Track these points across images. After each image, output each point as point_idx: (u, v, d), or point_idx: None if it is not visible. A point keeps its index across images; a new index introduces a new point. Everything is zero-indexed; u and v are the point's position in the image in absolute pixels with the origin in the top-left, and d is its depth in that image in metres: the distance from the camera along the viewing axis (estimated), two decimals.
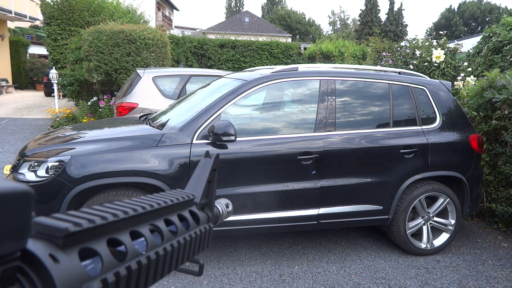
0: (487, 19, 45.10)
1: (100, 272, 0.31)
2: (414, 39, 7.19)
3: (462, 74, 5.66)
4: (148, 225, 0.39)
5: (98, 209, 0.35)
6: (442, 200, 3.43)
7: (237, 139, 2.91)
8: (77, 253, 0.30)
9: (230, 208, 0.63)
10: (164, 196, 0.44)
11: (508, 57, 5.35)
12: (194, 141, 2.87)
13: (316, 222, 3.16)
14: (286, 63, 13.98)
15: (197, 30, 40.42)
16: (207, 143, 2.88)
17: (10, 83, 18.67)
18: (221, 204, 0.61)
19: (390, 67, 6.63)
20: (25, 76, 20.90)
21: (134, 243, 0.36)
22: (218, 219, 0.59)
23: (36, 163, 2.75)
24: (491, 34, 5.94)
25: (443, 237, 3.50)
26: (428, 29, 49.60)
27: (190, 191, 0.51)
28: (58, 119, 8.99)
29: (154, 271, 0.38)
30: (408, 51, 6.97)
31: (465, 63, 6.39)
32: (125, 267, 0.33)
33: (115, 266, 0.32)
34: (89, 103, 9.11)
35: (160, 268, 0.39)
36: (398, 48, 7.54)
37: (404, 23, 45.98)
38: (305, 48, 15.27)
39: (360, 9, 46.63)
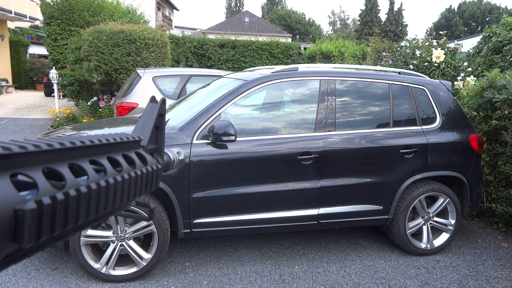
0: (487, 19, 45.11)
1: (36, 196, 0.30)
2: (414, 39, 7.19)
3: (462, 74, 5.66)
4: (89, 159, 0.38)
5: (36, 140, 0.34)
6: (442, 200, 3.43)
7: (237, 139, 2.91)
8: (9, 177, 0.29)
9: (182, 156, 0.63)
10: (108, 136, 0.43)
11: (508, 57, 5.35)
12: (194, 141, 2.88)
13: (316, 222, 3.16)
14: (286, 63, 13.98)
15: (197, 30, 40.43)
16: (207, 143, 2.88)
17: (10, 83, 18.67)
18: (172, 152, 0.60)
19: (390, 67, 6.64)
20: (25, 76, 20.90)
21: (74, 176, 0.35)
22: (169, 166, 0.59)
23: None
24: (491, 34, 5.94)
25: (443, 237, 3.50)
26: (428, 29, 49.61)
27: (136, 134, 0.50)
28: (58, 119, 8.99)
29: (96, 204, 0.37)
30: (408, 51, 6.97)
31: (465, 63, 6.39)
32: (63, 192, 0.32)
33: (52, 192, 0.31)
34: (89, 103, 9.11)
35: (103, 201, 0.37)
36: (398, 48, 7.55)
37: (404, 23, 45.99)
38: (305, 48, 15.27)
39: (360, 9, 46.65)
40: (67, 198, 0.32)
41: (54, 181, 0.33)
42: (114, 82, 8.06)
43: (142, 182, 0.45)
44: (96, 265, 2.80)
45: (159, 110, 0.54)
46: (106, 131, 3.28)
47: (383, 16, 47.20)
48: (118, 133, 0.46)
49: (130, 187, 0.42)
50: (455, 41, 9.60)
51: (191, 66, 13.01)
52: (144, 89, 5.51)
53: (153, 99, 0.56)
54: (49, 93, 17.22)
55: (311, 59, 14.50)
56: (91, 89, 9.50)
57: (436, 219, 3.47)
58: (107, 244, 2.85)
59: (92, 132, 3.21)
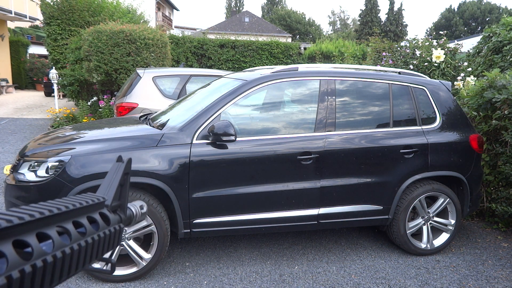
0: (487, 19, 45.10)
1: (5, 270, 0.33)
2: (414, 39, 7.19)
3: (462, 74, 5.66)
4: (56, 227, 0.41)
5: (7, 212, 0.37)
6: (442, 200, 3.43)
7: (237, 139, 2.91)
8: None
9: (145, 209, 0.66)
10: (74, 200, 0.46)
11: (508, 57, 5.34)
12: (194, 141, 2.88)
13: (316, 222, 3.16)
14: (286, 63, 13.98)
15: (197, 30, 40.42)
16: (207, 143, 2.88)
17: (10, 83, 18.67)
18: (135, 206, 0.63)
19: (390, 67, 6.63)
20: (25, 76, 20.90)
21: (41, 244, 0.38)
22: (132, 220, 0.62)
23: (36, 163, 2.75)
24: (491, 34, 5.94)
25: (443, 237, 3.50)
26: (428, 29, 49.60)
27: (101, 194, 0.53)
28: (58, 119, 8.99)
29: (61, 269, 0.40)
30: (408, 51, 6.97)
31: (465, 63, 6.39)
32: (31, 264, 0.35)
33: (20, 264, 0.34)
34: (89, 103, 9.11)
35: (67, 266, 0.41)
36: (398, 48, 7.54)
37: (404, 23, 45.98)
38: (305, 48, 15.27)
39: (360, 9, 46.65)
40: (34, 270, 0.36)
41: (21, 250, 0.36)
42: (114, 82, 8.06)
43: (105, 243, 0.48)
44: (96, 265, 2.80)
45: (124, 169, 0.57)
46: (106, 131, 3.28)
47: (383, 16, 47.16)
48: (84, 195, 0.49)
49: (93, 250, 0.45)
50: (455, 41, 9.60)
51: (191, 66, 13.01)
52: (144, 89, 5.51)
53: (119, 159, 0.59)
54: (49, 93, 17.22)
55: (311, 59, 14.50)
56: (91, 89, 9.50)
57: (436, 219, 3.47)
58: None
59: (92, 133, 3.21)
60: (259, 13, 57.69)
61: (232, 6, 57.54)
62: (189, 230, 2.93)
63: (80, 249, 0.42)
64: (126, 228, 2.83)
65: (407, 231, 3.36)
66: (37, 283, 0.36)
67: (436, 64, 6.28)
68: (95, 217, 0.48)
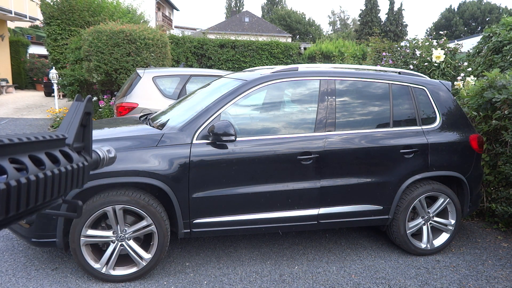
0: (487, 19, 45.10)
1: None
2: (414, 39, 7.19)
3: (462, 74, 5.66)
4: (9, 158, 0.38)
5: None
6: (442, 200, 3.43)
7: (237, 139, 2.91)
8: None
9: (113, 153, 0.62)
10: (30, 135, 0.43)
11: (508, 57, 5.35)
12: (194, 141, 2.87)
13: (316, 222, 3.16)
14: (286, 63, 13.98)
15: (197, 30, 40.42)
16: (207, 143, 2.88)
17: (10, 83, 18.67)
18: (102, 150, 0.60)
19: (390, 67, 6.64)
20: (25, 76, 20.90)
21: None
22: (99, 164, 0.58)
23: None
24: (491, 34, 5.94)
25: (443, 237, 3.50)
26: (428, 29, 49.60)
27: (61, 133, 0.50)
28: (58, 119, 8.99)
29: (17, 200, 0.37)
30: (408, 51, 6.97)
31: (465, 63, 6.39)
32: None
33: None
34: None
35: (24, 198, 0.38)
36: (398, 48, 7.54)
37: (404, 23, 45.98)
38: (305, 48, 15.27)
39: (360, 9, 46.65)
40: None
41: None
42: (114, 82, 8.06)
43: (67, 179, 0.45)
44: (96, 265, 2.80)
45: (85, 108, 0.54)
46: (106, 131, 3.28)
47: (383, 16, 47.18)
48: (42, 132, 0.46)
49: (54, 184, 0.42)
50: (455, 41, 9.60)
51: (191, 66, 13.01)
52: (144, 89, 5.51)
53: (78, 98, 0.55)
54: (49, 93, 17.22)
55: (311, 59, 14.50)
56: (91, 89, 9.50)
57: (436, 219, 3.47)
58: (107, 244, 2.85)
59: (92, 132, 3.20)
60: (259, 13, 57.73)
61: (232, 6, 57.53)
62: (189, 230, 2.93)
63: (37, 181, 0.39)
64: (125, 224, 2.83)
65: (407, 231, 3.36)
66: None
67: (436, 64, 6.28)
68: (55, 153, 0.45)
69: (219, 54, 13.50)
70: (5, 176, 0.36)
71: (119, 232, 2.82)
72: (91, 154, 0.55)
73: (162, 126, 3.09)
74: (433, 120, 3.45)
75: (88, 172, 0.51)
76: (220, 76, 3.99)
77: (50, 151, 0.44)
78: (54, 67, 10.44)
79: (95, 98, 9.05)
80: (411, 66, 6.56)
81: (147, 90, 5.50)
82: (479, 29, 43.99)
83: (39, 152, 0.42)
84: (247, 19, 41.51)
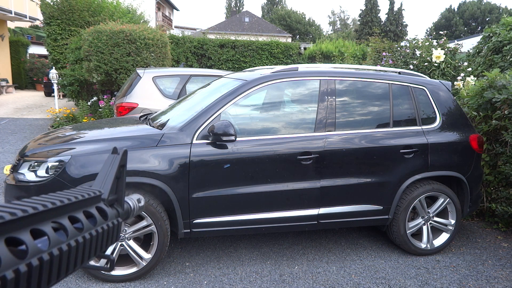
0: (487, 19, 45.09)
1: None
2: (414, 39, 7.19)
3: (462, 74, 5.66)
4: (51, 222, 0.39)
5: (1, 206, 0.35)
6: (442, 200, 3.43)
7: (237, 139, 2.91)
8: None
9: (142, 203, 0.63)
10: (69, 194, 0.44)
11: (508, 57, 5.34)
12: (194, 141, 2.87)
13: (316, 222, 3.16)
14: (286, 63, 13.98)
15: (197, 30, 40.42)
16: (207, 143, 2.88)
17: (10, 83, 18.67)
18: (132, 200, 0.61)
19: (390, 67, 6.63)
20: (25, 76, 20.89)
21: (36, 241, 0.36)
22: (130, 214, 0.59)
23: (36, 163, 2.75)
24: (491, 34, 5.94)
25: (443, 237, 3.50)
26: (428, 29, 49.59)
27: (97, 187, 0.51)
28: (58, 119, 8.99)
29: (58, 268, 0.38)
30: (408, 51, 6.97)
31: (465, 63, 6.39)
32: (26, 264, 0.33)
33: (14, 263, 0.32)
34: (89, 103, 9.11)
35: (65, 264, 0.39)
36: (398, 48, 7.54)
37: (404, 23, 45.97)
38: (305, 48, 15.27)
39: (360, 9, 46.64)
40: (30, 269, 0.34)
41: (14, 248, 0.34)
42: (114, 82, 8.06)
43: (103, 238, 0.46)
44: (96, 263, 2.80)
45: (120, 161, 0.55)
46: (106, 131, 3.28)
47: (383, 16, 47.13)
48: (80, 188, 0.47)
49: (92, 246, 0.44)
50: (455, 41, 9.60)
51: (191, 66, 13.01)
52: (144, 89, 5.51)
53: (114, 150, 0.57)
54: (49, 93, 17.22)
55: (311, 59, 14.50)
56: (91, 89, 9.50)
57: (436, 219, 3.47)
58: None
59: (92, 133, 3.21)
60: (259, 13, 57.73)
61: (232, 6, 57.53)
62: (189, 230, 2.93)
63: (77, 245, 0.40)
64: (125, 224, 2.83)
65: (407, 231, 3.36)
66: (34, 283, 0.34)
67: (436, 64, 6.28)
68: (92, 212, 0.46)
69: (219, 54, 13.50)
70: (48, 240, 0.37)
71: None
72: (123, 205, 0.56)
73: (162, 126, 3.09)
74: (433, 120, 3.45)
75: (121, 227, 0.52)
76: (220, 76, 3.99)
77: (87, 209, 0.45)
78: (54, 67, 10.44)
79: (95, 98, 9.05)
80: (411, 66, 6.56)
81: (147, 90, 5.50)
82: (479, 29, 43.99)
83: (77, 211, 0.43)
84: (247, 19, 41.51)
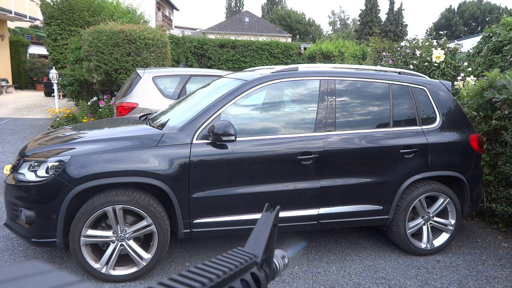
0: (487, 19, 45.10)
1: None
2: (414, 39, 7.19)
3: (462, 74, 5.65)
4: None
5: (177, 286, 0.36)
6: (442, 200, 3.43)
7: (237, 139, 2.91)
8: None
9: (286, 260, 0.63)
10: (228, 261, 0.44)
11: (508, 57, 5.34)
12: (194, 141, 2.87)
13: (316, 222, 3.16)
14: (286, 63, 13.98)
15: (197, 30, 40.41)
16: (207, 143, 2.88)
17: (10, 83, 18.67)
18: (278, 258, 0.60)
19: (390, 67, 6.63)
20: (25, 76, 20.89)
21: None
22: (275, 275, 0.59)
23: (36, 163, 2.75)
24: (491, 34, 5.94)
25: (443, 237, 3.50)
26: (428, 29, 49.59)
27: (250, 249, 0.51)
28: (58, 119, 8.99)
29: None
30: (408, 51, 6.96)
31: (465, 63, 6.38)
32: None
33: None
34: (89, 103, 9.11)
35: None
36: (398, 48, 7.54)
37: (404, 23, 45.98)
38: (305, 48, 15.26)
39: (360, 9, 46.64)
40: None
41: None
42: (114, 82, 8.06)
43: None
44: (96, 265, 2.80)
45: (274, 221, 0.54)
46: (106, 131, 3.28)
47: (383, 16, 47.13)
48: (236, 253, 0.47)
49: None
50: (455, 41, 9.60)
51: (191, 66, 13.01)
52: (144, 89, 5.51)
53: (267, 208, 0.56)
54: (49, 93, 17.22)
55: (311, 59, 14.49)
56: (91, 89, 9.50)
57: (436, 219, 3.47)
58: (107, 244, 2.85)
59: (92, 133, 3.21)
60: (259, 13, 57.70)
61: (232, 6, 57.53)
62: (189, 230, 2.93)
63: None
64: (126, 224, 2.82)
65: (407, 231, 3.36)
66: None
67: (436, 64, 6.27)
68: (248, 280, 0.46)
69: (219, 54, 13.49)
70: None
71: (119, 232, 2.82)
72: (271, 265, 0.55)
73: (162, 126, 3.09)
74: (433, 120, 3.45)
75: None
76: (220, 76, 3.99)
77: (244, 277, 0.46)
78: (54, 67, 10.43)
79: (95, 98, 9.05)
80: (411, 66, 6.56)
81: (147, 90, 5.50)
82: (479, 29, 43.98)
83: (235, 281, 0.44)
84: (247, 19, 41.52)
